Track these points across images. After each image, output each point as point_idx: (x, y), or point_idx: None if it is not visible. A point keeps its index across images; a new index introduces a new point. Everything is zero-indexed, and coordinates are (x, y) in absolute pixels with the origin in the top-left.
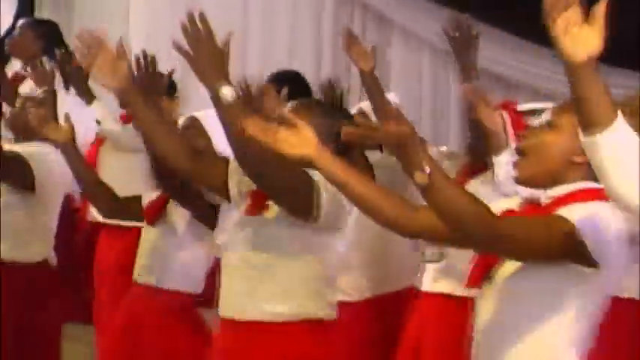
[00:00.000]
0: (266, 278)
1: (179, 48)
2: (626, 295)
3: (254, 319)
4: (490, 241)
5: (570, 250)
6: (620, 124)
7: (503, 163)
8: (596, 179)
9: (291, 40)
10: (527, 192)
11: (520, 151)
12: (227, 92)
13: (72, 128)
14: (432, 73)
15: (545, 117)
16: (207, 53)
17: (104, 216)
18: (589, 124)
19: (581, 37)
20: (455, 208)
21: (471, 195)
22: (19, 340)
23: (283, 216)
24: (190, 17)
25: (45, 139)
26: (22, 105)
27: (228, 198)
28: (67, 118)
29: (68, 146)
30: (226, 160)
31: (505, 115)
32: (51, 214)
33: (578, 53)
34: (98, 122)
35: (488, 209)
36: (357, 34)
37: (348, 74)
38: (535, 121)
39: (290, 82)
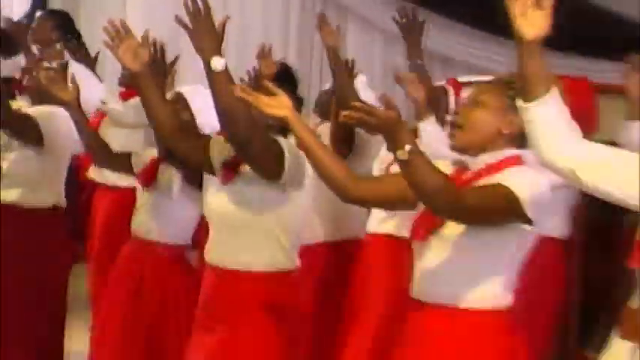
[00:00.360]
0: (242, 233)
1: (180, 22)
2: (550, 234)
3: (232, 267)
4: (454, 211)
5: (513, 212)
6: (555, 96)
7: (426, 128)
8: (517, 146)
9: (263, 24)
10: (454, 156)
11: (456, 125)
12: (218, 62)
13: (77, 90)
14: (383, 56)
15: (471, 94)
16: (204, 28)
17: (99, 165)
18: (529, 92)
19: (534, 19)
20: (427, 181)
21: (442, 172)
22: (30, 276)
23: (253, 180)
24: None
25: (54, 99)
26: (38, 73)
27: (207, 170)
28: (73, 80)
29: (72, 104)
30: (207, 139)
31: (450, 89)
32: (60, 165)
33: (530, 32)
34: (104, 102)
35: (454, 184)
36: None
37: (310, 53)
38: (465, 98)
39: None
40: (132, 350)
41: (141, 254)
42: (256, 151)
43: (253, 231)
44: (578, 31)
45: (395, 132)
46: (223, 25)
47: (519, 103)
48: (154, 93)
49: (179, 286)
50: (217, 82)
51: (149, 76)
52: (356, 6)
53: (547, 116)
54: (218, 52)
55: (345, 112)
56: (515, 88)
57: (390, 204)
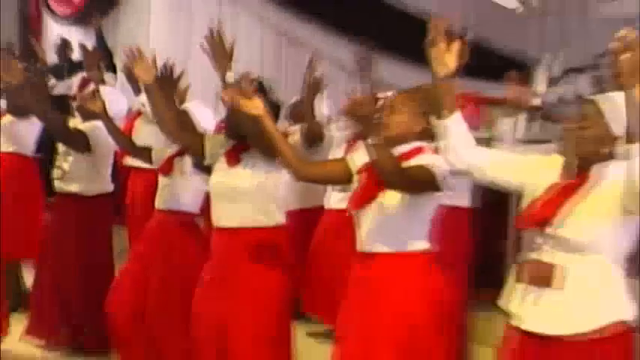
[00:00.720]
0: (248, 201)
1: (204, 49)
2: (459, 204)
3: (242, 226)
4: (402, 183)
5: (433, 184)
6: (458, 116)
7: None
8: (420, 140)
9: (247, 55)
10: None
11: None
12: (230, 76)
13: (104, 104)
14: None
15: (390, 101)
16: (219, 53)
17: (125, 152)
18: (441, 113)
19: (445, 61)
20: (388, 161)
21: (396, 156)
22: (86, 242)
23: (255, 162)
24: (211, 32)
25: (89, 111)
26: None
27: (202, 156)
28: (100, 96)
29: (100, 112)
30: (202, 135)
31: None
32: (105, 163)
33: (442, 70)
34: (143, 105)
35: (401, 164)
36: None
37: (280, 75)
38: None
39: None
40: (160, 299)
41: (164, 221)
42: (256, 135)
43: (257, 198)
44: (478, 62)
45: (371, 123)
46: (232, 48)
47: (434, 120)
48: (160, 98)
49: (191, 245)
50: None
51: (156, 86)
52: (313, 41)
53: (453, 130)
54: (229, 69)
55: (349, 104)
56: (418, 100)
57: (329, 181)
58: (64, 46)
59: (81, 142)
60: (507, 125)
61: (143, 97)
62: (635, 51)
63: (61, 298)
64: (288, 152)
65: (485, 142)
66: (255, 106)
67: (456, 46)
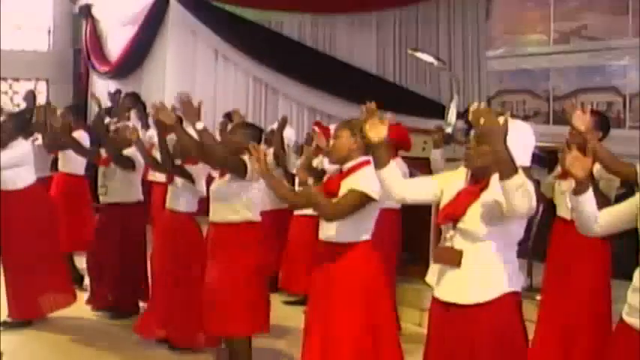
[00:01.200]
0: (233, 202)
1: (177, 109)
2: (390, 207)
3: (229, 221)
4: (337, 215)
5: (367, 200)
6: (392, 165)
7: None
8: (364, 154)
9: (233, 96)
10: (333, 167)
11: (330, 149)
12: (199, 125)
13: (138, 133)
14: (298, 118)
15: (334, 131)
16: (189, 111)
17: (150, 167)
18: (379, 164)
19: (377, 131)
20: (319, 202)
21: (324, 197)
22: (128, 237)
23: (233, 177)
24: (181, 98)
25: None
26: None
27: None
28: (135, 130)
29: (137, 141)
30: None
31: (317, 129)
32: (138, 179)
33: (375, 138)
34: (151, 137)
35: (329, 202)
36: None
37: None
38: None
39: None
40: (168, 274)
41: (168, 217)
42: (231, 165)
43: (239, 201)
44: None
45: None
46: (199, 105)
47: (376, 169)
48: (183, 131)
49: (194, 232)
50: (201, 135)
51: (179, 125)
52: (285, 89)
53: (389, 175)
54: (199, 119)
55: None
56: (352, 126)
57: (310, 206)
58: (116, 94)
59: (129, 163)
60: (438, 150)
61: (150, 132)
62: (488, 117)
63: (108, 274)
64: (282, 190)
65: (419, 160)
66: (259, 157)
67: (384, 121)
